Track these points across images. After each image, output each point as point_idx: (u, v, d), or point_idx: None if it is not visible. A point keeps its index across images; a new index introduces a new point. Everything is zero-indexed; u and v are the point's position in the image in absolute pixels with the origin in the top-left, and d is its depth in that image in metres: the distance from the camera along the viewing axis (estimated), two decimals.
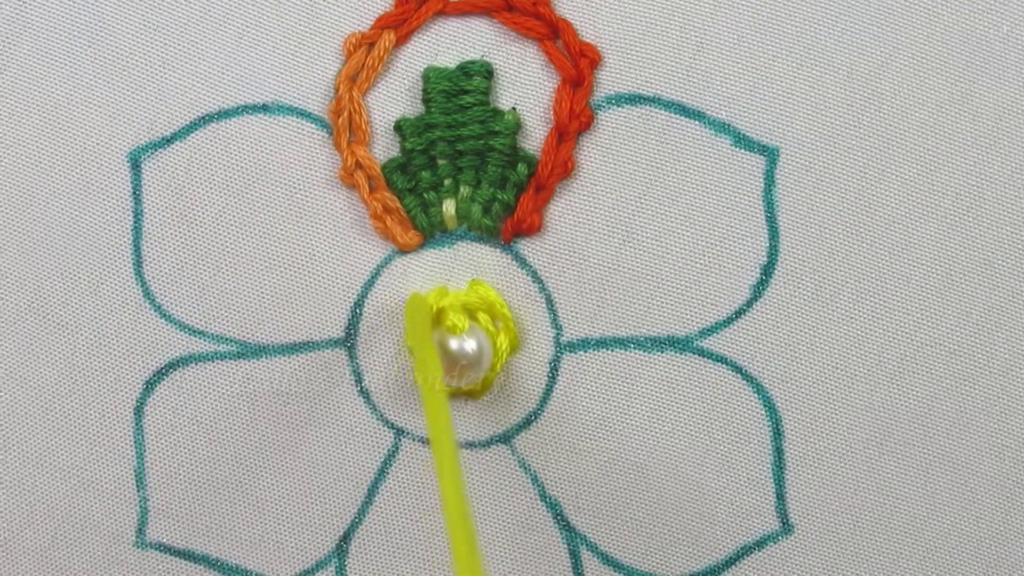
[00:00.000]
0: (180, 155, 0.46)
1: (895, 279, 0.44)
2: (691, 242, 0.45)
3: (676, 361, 0.45)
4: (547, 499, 0.46)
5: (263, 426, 0.46)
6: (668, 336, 0.45)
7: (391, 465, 0.46)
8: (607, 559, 0.46)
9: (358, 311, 0.46)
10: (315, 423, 0.46)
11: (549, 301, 0.46)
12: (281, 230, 0.46)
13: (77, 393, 0.46)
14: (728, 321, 0.45)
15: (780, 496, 0.45)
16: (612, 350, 0.45)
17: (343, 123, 0.45)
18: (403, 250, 0.46)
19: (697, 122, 0.44)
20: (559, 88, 0.45)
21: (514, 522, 0.46)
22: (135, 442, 0.47)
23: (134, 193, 0.46)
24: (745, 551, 0.46)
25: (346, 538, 0.46)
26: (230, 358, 0.46)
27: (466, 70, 0.45)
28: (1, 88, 0.46)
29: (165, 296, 0.46)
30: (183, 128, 0.45)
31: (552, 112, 0.45)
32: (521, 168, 0.45)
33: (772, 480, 0.45)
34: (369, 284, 0.46)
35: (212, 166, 0.46)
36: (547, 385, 0.46)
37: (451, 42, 0.45)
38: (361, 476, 0.46)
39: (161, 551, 0.47)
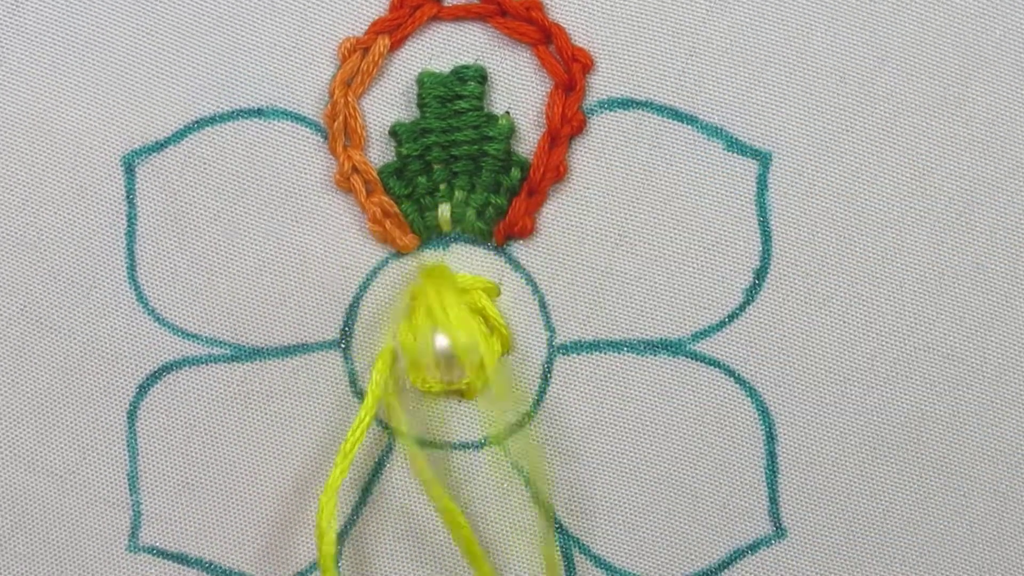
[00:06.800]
0: (174, 159, 0.47)
1: (888, 283, 0.46)
2: (684, 245, 0.46)
3: (669, 364, 0.47)
4: (540, 501, 0.47)
5: (257, 429, 0.48)
6: (661, 339, 0.47)
7: (385, 466, 0.48)
8: (599, 562, 0.47)
9: (353, 313, 0.47)
10: (309, 425, 0.47)
11: (542, 304, 0.47)
12: (276, 233, 0.47)
13: (70, 397, 0.48)
14: (721, 325, 0.46)
15: (773, 500, 0.47)
16: (605, 353, 0.47)
17: (338, 127, 0.47)
18: (401, 252, 0.47)
19: (690, 126, 0.46)
20: (551, 92, 0.46)
21: (507, 524, 0.47)
22: (128, 445, 0.48)
23: (128, 197, 0.47)
24: (738, 555, 0.47)
25: (340, 539, 0.48)
26: (224, 361, 0.47)
27: (460, 75, 0.46)
28: None
29: (158, 299, 0.47)
30: (177, 132, 0.47)
31: (545, 116, 0.46)
32: (514, 172, 0.47)
33: (765, 484, 0.47)
34: (364, 286, 0.47)
35: (206, 170, 0.47)
36: (540, 387, 0.47)
37: (445, 47, 0.47)
38: (355, 478, 0.47)
39: (154, 554, 0.48)
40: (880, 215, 0.46)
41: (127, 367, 0.48)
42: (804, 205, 0.46)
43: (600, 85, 0.46)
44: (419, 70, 0.47)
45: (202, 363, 0.47)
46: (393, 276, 0.47)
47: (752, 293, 0.46)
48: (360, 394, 0.47)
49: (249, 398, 0.47)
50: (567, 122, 0.46)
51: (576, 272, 0.47)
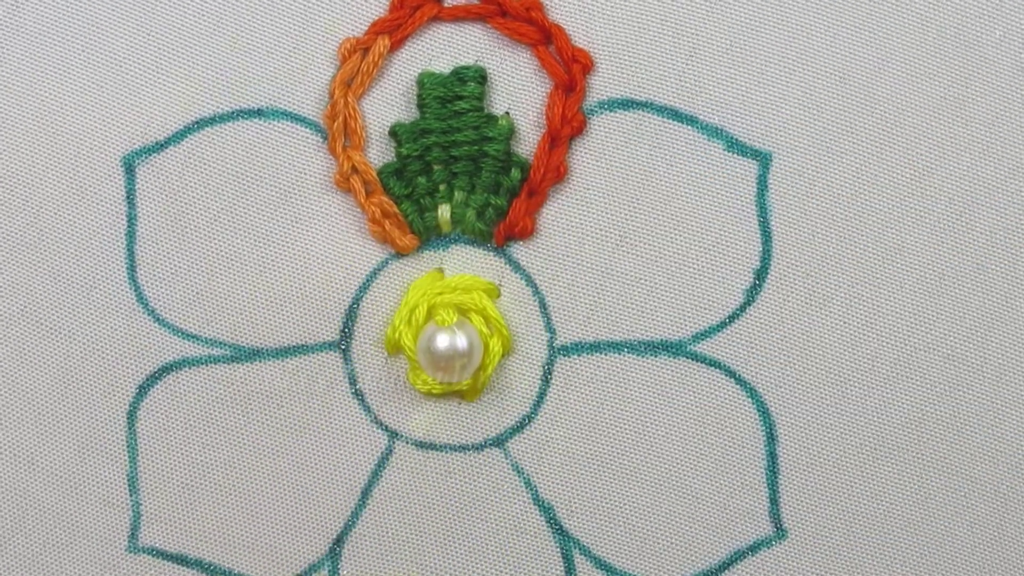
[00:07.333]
0: (174, 159, 0.47)
1: (888, 283, 0.46)
2: (684, 246, 0.46)
3: (670, 365, 0.47)
4: (540, 502, 0.47)
5: (257, 429, 0.48)
6: (662, 340, 0.47)
7: (385, 468, 0.48)
8: (600, 563, 0.48)
9: (352, 314, 0.47)
10: (309, 426, 0.48)
11: (542, 305, 0.47)
12: (275, 234, 0.47)
13: (70, 397, 0.48)
14: (722, 325, 0.47)
15: (774, 500, 0.47)
16: (606, 354, 0.47)
17: (338, 128, 0.47)
18: (400, 253, 0.47)
19: (690, 127, 0.46)
20: (552, 93, 0.46)
21: (507, 525, 0.48)
22: (128, 446, 0.48)
23: (128, 197, 0.48)
24: (739, 556, 0.47)
25: (339, 541, 0.48)
26: (224, 361, 0.48)
27: (460, 75, 0.47)
28: None
29: (158, 300, 0.48)
30: (177, 132, 0.47)
31: (545, 117, 0.46)
32: (514, 173, 0.47)
33: (766, 484, 0.47)
34: (364, 287, 0.47)
35: (206, 170, 0.47)
36: (540, 388, 0.47)
37: (445, 47, 0.47)
38: (355, 479, 0.48)
39: (154, 555, 0.48)
40: (880, 215, 0.46)
41: (127, 367, 0.48)
42: (804, 205, 0.46)
43: (600, 86, 0.46)
44: (419, 70, 0.47)
45: (202, 364, 0.48)
46: (392, 277, 0.47)
47: (752, 294, 0.46)
48: (359, 394, 0.48)
49: (249, 399, 0.48)
50: (567, 123, 0.46)
51: (576, 273, 0.47)
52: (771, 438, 0.47)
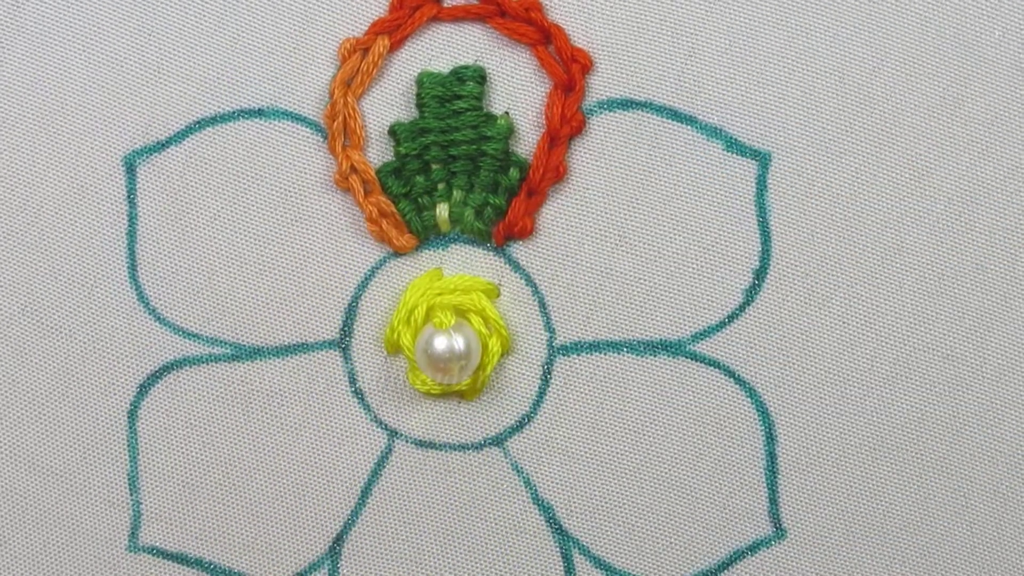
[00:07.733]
0: (175, 159, 0.48)
1: (888, 283, 0.46)
2: (684, 246, 0.47)
3: (669, 365, 0.47)
4: (540, 502, 0.48)
5: (257, 428, 0.48)
6: (661, 340, 0.47)
7: (384, 467, 0.48)
8: (599, 563, 0.48)
9: (352, 313, 0.47)
10: (309, 425, 0.48)
11: (542, 304, 0.47)
12: (275, 233, 0.47)
13: (71, 396, 0.48)
14: (721, 325, 0.47)
15: (773, 500, 0.47)
16: (605, 353, 0.47)
17: (338, 128, 0.47)
18: (398, 253, 0.47)
19: (689, 127, 0.46)
20: (551, 93, 0.47)
21: (506, 525, 0.48)
22: (128, 445, 0.48)
23: (129, 197, 0.48)
24: (738, 555, 0.47)
25: (339, 540, 0.48)
26: (224, 360, 0.48)
27: (459, 75, 0.47)
28: None
29: (159, 299, 0.48)
30: (178, 132, 0.47)
31: (544, 117, 0.47)
32: (513, 172, 0.47)
33: (765, 484, 0.47)
34: (363, 286, 0.48)
35: (207, 170, 0.48)
36: (540, 388, 0.47)
37: (445, 47, 0.47)
38: (354, 478, 0.48)
39: (154, 554, 0.49)
40: (880, 215, 0.46)
41: (128, 367, 0.48)
42: (803, 205, 0.46)
43: (599, 86, 0.47)
44: (418, 70, 0.47)
45: (202, 363, 0.48)
46: (391, 276, 0.47)
47: (752, 293, 0.46)
48: (359, 393, 0.48)
49: (249, 397, 0.48)
50: (567, 122, 0.46)
51: (576, 273, 0.47)
52: (770, 438, 0.47)
